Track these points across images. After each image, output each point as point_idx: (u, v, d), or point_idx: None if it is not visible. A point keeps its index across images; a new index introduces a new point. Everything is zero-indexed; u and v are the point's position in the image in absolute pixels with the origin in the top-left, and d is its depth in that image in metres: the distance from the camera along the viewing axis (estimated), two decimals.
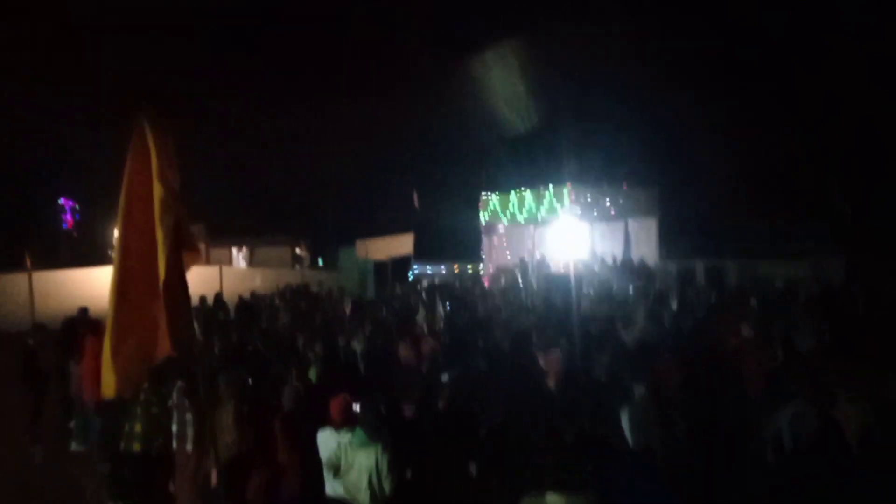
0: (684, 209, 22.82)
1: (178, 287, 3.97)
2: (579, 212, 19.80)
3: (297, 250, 34.69)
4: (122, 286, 3.98)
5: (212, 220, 33.13)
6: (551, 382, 5.53)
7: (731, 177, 26.56)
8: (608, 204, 20.30)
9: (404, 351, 7.16)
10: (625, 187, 20.82)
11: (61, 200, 36.61)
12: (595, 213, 20.37)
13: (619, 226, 21.95)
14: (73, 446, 8.09)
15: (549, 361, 5.67)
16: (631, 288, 14.41)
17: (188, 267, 4.10)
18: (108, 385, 3.96)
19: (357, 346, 8.28)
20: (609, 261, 20.30)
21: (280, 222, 34.90)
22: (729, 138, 27.23)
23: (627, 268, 18.91)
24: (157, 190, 3.86)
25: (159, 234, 3.84)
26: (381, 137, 36.00)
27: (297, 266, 31.19)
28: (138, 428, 5.76)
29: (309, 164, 38.77)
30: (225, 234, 33.72)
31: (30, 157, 30.18)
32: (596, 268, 19.25)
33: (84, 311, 10.54)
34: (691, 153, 28.18)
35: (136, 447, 5.76)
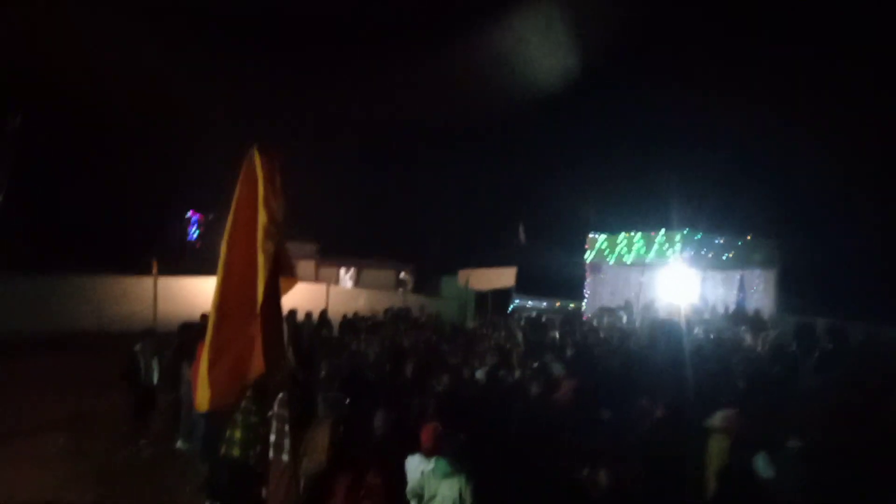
0: (808, 262, 21.52)
1: (274, 310, 4.16)
2: (692, 258, 19.14)
3: (402, 274, 35.32)
4: (222, 305, 4.20)
5: (323, 239, 34.37)
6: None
7: (859, 233, 24.90)
8: (724, 253, 19.49)
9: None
10: (743, 238, 19.93)
11: (190, 213, 38.98)
12: (709, 261, 19.61)
13: (734, 276, 21.05)
14: (179, 444, 8.47)
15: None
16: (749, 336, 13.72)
17: (284, 292, 4.29)
18: (203, 399, 4.17)
19: (479, 374, 8.26)
20: (721, 309, 19.43)
21: (386, 247, 35.69)
22: (856, 193, 25.60)
23: (740, 317, 18.00)
24: (262, 217, 4.07)
25: (260, 259, 4.04)
26: (492, 171, 36.33)
27: (401, 290, 31.71)
28: (238, 435, 5.98)
29: (418, 193, 39.65)
30: (334, 254, 34.84)
31: (165, 172, 32.47)
32: (706, 315, 18.45)
33: (204, 317, 10.94)
34: (816, 206, 26.70)
35: (235, 453, 5.99)
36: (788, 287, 20.03)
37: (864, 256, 24.21)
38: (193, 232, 39.47)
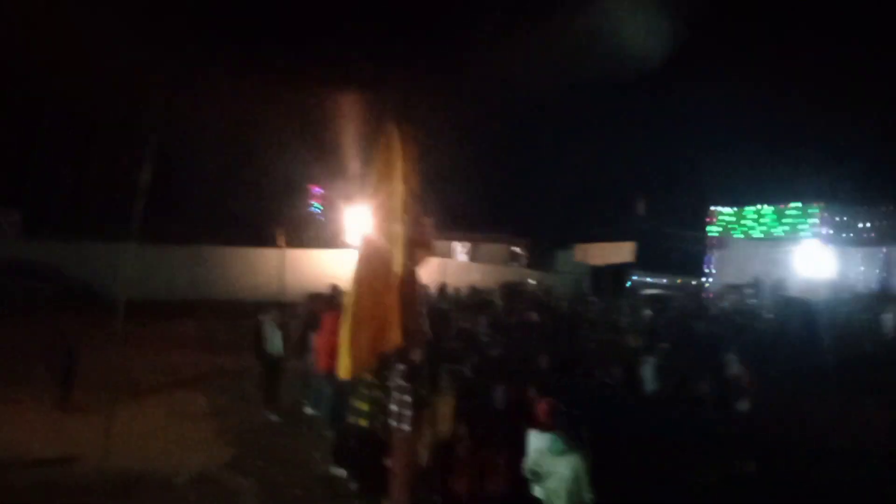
0: None
1: (412, 281, 4.24)
2: (828, 232, 17.86)
3: (516, 249, 35.19)
4: (362, 278, 4.32)
5: (438, 213, 34.78)
6: None
7: None
8: (866, 226, 18.03)
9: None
10: (888, 209, 18.34)
11: (314, 188, 40.45)
12: (848, 236, 18.21)
13: (877, 252, 19.44)
14: (308, 410, 8.86)
15: None
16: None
17: (421, 262, 4.35)
18: (345, 368, 4.34)
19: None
20: (862, 288, 18.04)
21: (501, 221, 35.59)
22: None
23: (884, 297, 16.63)
24: (402, 191, 4.14)
25: (399, 230, 4.12)
26: (609, 142, 35.30)
27: (515, 264, 31.64)
28: (364, 406, 6.19)
29: (535, 166, 39.19)
30: (449, 228, 35.20)
31: (288, 150, 33.84)
32: (846, 295, 17.18)
33: (334, 288, 10.54)
34: None
35: (362, 422, 6.21)
36: None
37: None
38: (315, 206, 41.08)
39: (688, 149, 31.34)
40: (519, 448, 5.20)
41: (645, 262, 25.69)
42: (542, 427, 5.00)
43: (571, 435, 4.86)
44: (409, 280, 4.21)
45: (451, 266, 24.11)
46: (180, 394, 9.72)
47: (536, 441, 5.05)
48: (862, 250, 19.91)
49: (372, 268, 4.36)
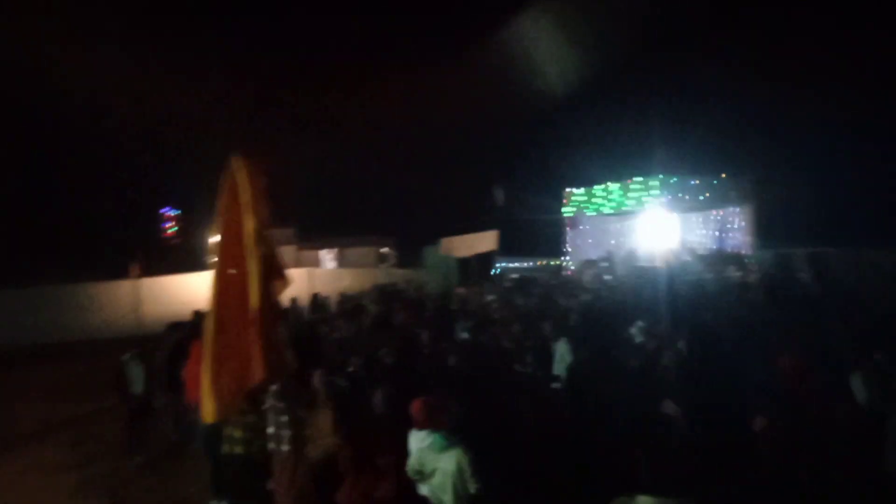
0: (780, 196, 21.75)
1: (271, 314, 4.17)
2: (669, 202, 19.29)
3: (383, 249, 35.25)
4: (219, 315, 4.19)
5: (299, 223, 34.14)
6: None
7: (832, 162, 25.16)
8: (699, 193, 19.63)
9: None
10: (717, 177, 20.05)
11: (165, 210, 38.55)
12: (685, 203, 19.75)
13: (711, 216, 21.26)
14: (181, 446, 8.44)
15: None
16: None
17: (279, 294, 4.30)
18: (208, 411, 4.19)
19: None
20: (700, 251, 19.66)
21: (365, 224, 35.53)
22: (828, 121, 25.79)
23: (719, 257, 18.24)
24: (249, 223, 4.06)
25: (252, 265, 4.04)
26: (463, 134, 36.13)
27: (383, 265, 31.69)
28: (238, 433, 6.02)
29: (392, 167, 39.38)
30: (313, 236, 34.68)
31: (135, 167, 31.95)
32: (688, 258, 18.65)
33: (197, 314, 10.36)
34: (788, 139, 26.89)
35: (239, 450, 6.03)
36: (765, 222, 20.26)
37: (839, 188, 24.51)
38: (170, 229, 39.09)
39: (541, 135, 32.68)
40: (404, 451, 5.24)
41: (509, 248, 26.58)
42: (419, 425, 5.07)
43: (453, 430, 4.97)
44: (267, 313, 4.12)
45: (319, 275, 23.76)
46: (44, 445, 8.99)
47: (417, 441, 5.10)
48: (699, 215, 21.71)
49: (227, 305, 4.23)
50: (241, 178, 4.13)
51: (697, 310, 9.27)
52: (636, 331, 7.65)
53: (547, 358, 7.47)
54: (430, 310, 12.65)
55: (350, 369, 7.34)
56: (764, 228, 20.04)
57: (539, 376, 6.99)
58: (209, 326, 4.21)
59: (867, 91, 24.99)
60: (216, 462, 6.53)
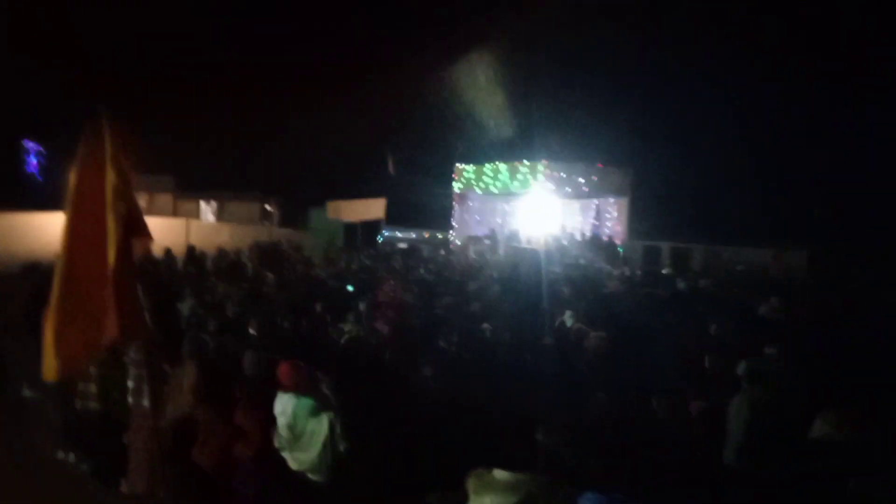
0: (655, 190, 23.10)
1: (128, 273, 4.00)
2: (552, 188, 19.97)
3: (267, 207, 34.32)
4: (68, 272, 3.98)
5: (180, 171, 32.59)
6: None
7: (705, 161, 26.95)
8: (581, 181, 20.46)
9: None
10: (600, 166, 20.97)
11: (25, 142, 35.54)
12: (568, 190, 20.54)
13: (591, 204, 22.23)
14: (26, 393, 7.93)
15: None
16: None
17: (138, 253, 4.13)
18: (50, 369, 3.97)
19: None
20: (578, 237, 20.57)
21: (251, 179, 34.41)
22: (705, 121, 27.51)
23: (595, 245, 19.17)
24: (110, 176, 3.87)
25: (110, 221, 3.85)
26: (358, 99, 35.54)
27: (266, 223, 30.89)
28: (93, 389, 5.80)
29: (282, 121, 38.19)
30: (193, 186, 33.21)
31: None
32: (565, 243, 19.47)
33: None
34: (666, 135, 28.44)
35: (92, 405, 5.82)
36: (640, 213, 21.47)
37: (709, 183, 26.30)
38: (31, 163, 36.19)
39: (436, 108, 32.73)
40: (270, 413, 5.24)
41: (396, 217, 26.65)
42: (287, 389, 5.10)
43: (322, 394, 5.05)
44: (125, 271, 3.94)
45: (197, 227, 22.85)
46: None
47: (281, 404, 5.12)
48: (579, 202, 22.67)
49: (80, 259, 4.00)
50: (104, 127, 3.93)
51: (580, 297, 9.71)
52: (567, 316, 7.87)
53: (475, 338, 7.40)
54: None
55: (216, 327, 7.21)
56: (637, 220, 21.25)
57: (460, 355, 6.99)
58: (57, 280, 3.98)
59: (750, 90, 26.79)
60: (66, 416, 6.26)
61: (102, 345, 4.15)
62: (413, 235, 26.64)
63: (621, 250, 19.11)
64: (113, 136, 3.90)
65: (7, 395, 7.78)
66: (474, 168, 22.81)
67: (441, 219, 25.64)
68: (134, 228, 4.03)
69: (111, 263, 3.86)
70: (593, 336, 6.45)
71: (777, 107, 25.60)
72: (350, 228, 24.35)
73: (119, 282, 3.91)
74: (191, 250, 15.06)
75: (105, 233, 3.87)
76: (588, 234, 21.14)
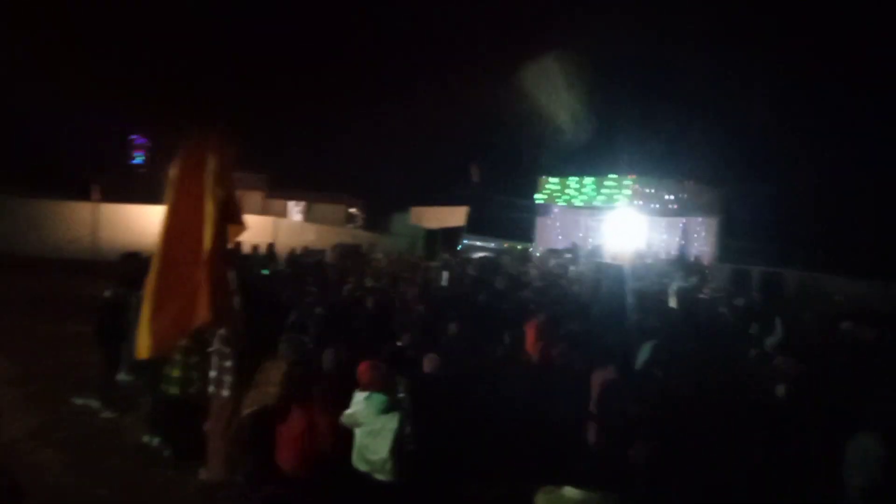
0: (748, 211, 22.19)
1: (221, 258, 4.12)
2: (639, 203, 19.54)
3: (352, 210, 35.03)
4: (166, 254, 4.13)
5: (271, 171, 33.71)
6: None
7: (802, 184, 25.74)
8: (669, 199, 19.92)
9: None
10: (688, 183, 20.37)
11: (133, 137, 37.57)
12: (655, 207, 20.04)
13: (678, 222, 21.61)
14: (122, 376, 8.26)
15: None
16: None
17: (233, 240, 4.25)
18: (143, 347, 4.13)
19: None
20: (663, 256, 20.02)
21: (338, 181, 35.22)
22: (804, 143, 26.30)
23: (681, 264, 18.60)
24: (212, 162, 4.00)
25: (208, 206, 3.98)
26: (446, 107, 35.90)
27: (350, 225, 31.51)
28: (175, 373, 6.01)
29: (372, 127, 39.00)
30: (283, 186, 34.27)
31: (104, 92, 31.01)
32: (649, 260, 18.98)
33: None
34: (761, 155, 27.37)
35: (174, 391, 6.04)
36: (730, 234, 20.69)
37: (804, 206, 25.10)
38: (137, 157, 38.23)
39: (523, 119, 32.68)
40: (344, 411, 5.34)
41: (477, 226, 26.68)
42: (364, 387, 5.19)
43: (394, 392, 5.14)
44: (219, 257, 4.07)
45: (284, 225, 23.57)
46: None
47: (358, 401, 5.21)
48: (666, 220, 22.08)
49: (178, 242, 4.16)
50: (209, 126, 4.09)
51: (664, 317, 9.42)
52: None
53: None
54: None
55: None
56: (726, 242, 20.48)
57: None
58: (155, 262, 4.14)
59: (856, 108, 25.47)
60: (153, 400, 6.53)
61: (194, 325, 4.29)
62: (493, 245, 26.58)
63: (709, 272, 18.44)
64: (216, 129, 4.05)
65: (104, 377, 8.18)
66: (559, 180, 22.60)
67: (523, 230, 25.51)
68: (230, 215, 4.16)
69: (207, 247, 4.00)
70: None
71: (887, 125, 24.15)
72: (431, 234, 24.53)
73: (213, 265, 4.05)
74: (270, 248, 15.56)
75: (203, 217, 4.01)
76: (674, 252, 20.53)
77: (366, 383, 5.17)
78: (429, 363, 6.00)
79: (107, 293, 7.86)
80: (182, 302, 4.17)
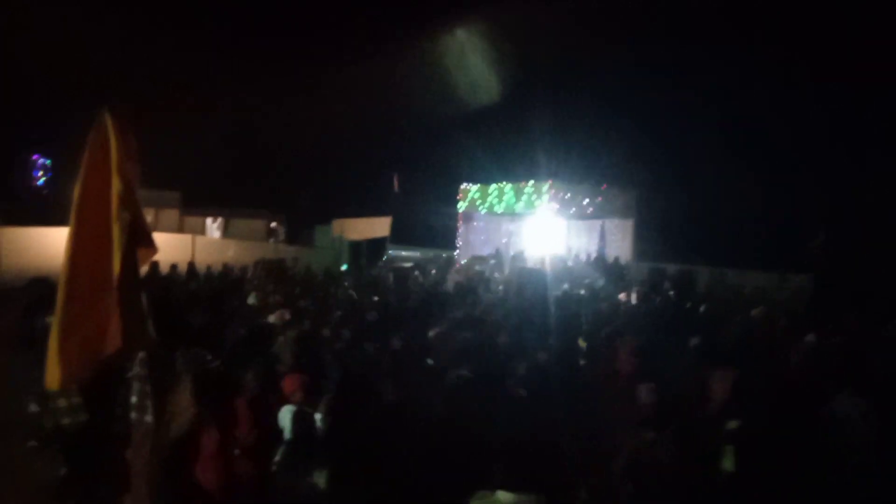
0: (660, 212, 23.12)
1: (132, 283, 3.97)
2: (557, 208, 20.01)
3: (273, 224, 34.41)
4: (73, 278, 3.95)
5: (187, 188, 32.73)
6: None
7: (710, 183, 27.01)
8: (586, 203, 20.50)
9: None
10: (603, 187, 21.04)
11: (34, 157, 35.74)
12: (573, 211, 20.58)
13: (596, 225, 22.25)
14: (32, 408, 7.86)
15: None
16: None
17: (143, 263, 4.11)
18: (53, 378, 3.93)
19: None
20: (583, 257, 20.56)
21: (257, 196, 34.55)
22: (712, 145, 27.62)
23: (600, 265, 19.15)
24: (116, 184, 3.83)
25: (115, 230, 3.82)
26: (365, 120, 35.81)
27: (272, 240, 30.93)
28: (63, 403, 5.79)
29: (289, 139, 38.46)
30: (200, 203, 33.34)
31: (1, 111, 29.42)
32: (570, 263, 19.45)
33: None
34: (672, 157, 28.54)
35: (82, 418, 5.81)
36: (644, 235, 21.48)
37: (714, 205, 26.32)
38: (40, 177, 36.44)
39: (442, 128, 32.99)
40: (274, 428, 5.24)
41: (401, 235, 26.73)
42: (292, 402, 5.12)
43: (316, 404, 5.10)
44: (129, 280, 3.92)
45: (202, 243, 22.91)
46: None
47: (284, 416, 5.14)
48: (584, 223, 22.70)
49: (84, 267, 3.98)
50: (110, 134, 3.90)
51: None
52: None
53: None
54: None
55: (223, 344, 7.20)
56: (642, 242, 21.26)
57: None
58: (61, 288, 3.95)
59: (758, 113, 26.86)
60: (61, 431, 6.23)
61: (106, 354, 4.12)
62: (418, 254, 26.65)
63: (628, 272, 19.08)
64: (118, 143, 3.87)
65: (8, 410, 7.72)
66: (479, 188, 22.89)
67: (446, 238, 25.71)
68: (139, 238, 4.01)
69: (116, 272, 3.84)
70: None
71: (784, 130, 25.66)
72: (355, 246, 24.39)
73: (123, 291, 3.89)
74: (191, 266, 15.17)
75: (110, 241, 3.85)
76: (593, 255, 21.12)
77: (292, 397, 5.11)
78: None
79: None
80: (92, 329, 3.98)
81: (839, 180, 23.86)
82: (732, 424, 4.89)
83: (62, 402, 5.79)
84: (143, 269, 4.09)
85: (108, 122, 3.86)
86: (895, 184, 20.64)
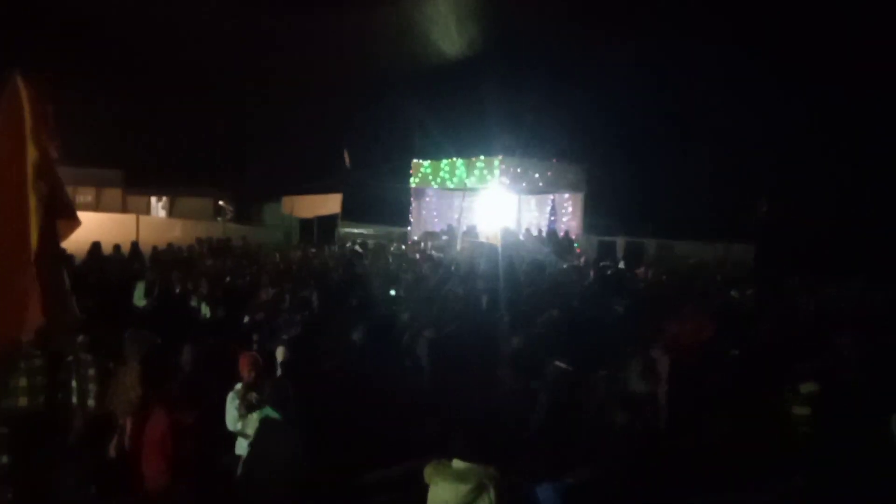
0: (609, 186, 23.44)
1: (52, 256, 3.80)
2: (508, 183, 20.07)
3: (220, 202, 33.65)
4: None
5: (130, 166, 31.74)
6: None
7: (657, 157, 27.49)
8: (537, 177, 20.60)
9: None
10: (554, 162, 21.17)
11: None
12: (523, 185, 20.66)
13: (547, 199, 22.41)
14: None
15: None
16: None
17: (64, 236, 3.92)
18: None
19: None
20: (534, 232, 20.73)
21: (204, 173, 33.67)
22: (659, 120, 28.05)
23: (552, 239, 19.34)
24: (32, 154, 3.63)
25: (31, 201, 3.64)
26: (314, 94, 35.15)
27: (220, 219, 30.29)
28: (22, 382, 5.51)
29: (236, 114, 37.54)
30: (143, 181, 32.37)
31: None
32: (521, 237, 19.59)
33: None
34: (621, 132, 28.89)
35: (22, 402, 5.52)
36: (594, 209, 21.75)
37: (661, 179, 26.84)
38: None
39: (393, 103, 32.62)
40: (216, 410, 5.15)
41: (352, 212, 26.43)
42: (246, 381, 5.05)
43: (283, 406, 4.95)
44: (49, 254, 3.73)
45: (147, 223, 22.29)
46: None
47: (237, 394, 5.06)
48: (535, 198, 22.86)
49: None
50: (22, 99, 3.66)
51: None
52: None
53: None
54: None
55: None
56: (592, 216, 21.54)
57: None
58: None
59: (699, 88, 27.30)
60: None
61: (26, 330, 3.94)
62: (371, 231, 26.49)
63: (577, 245, 19.33)
64: (32, 109, 3.64)
65: None
66: (431, 163, 22.77)
67: (398, 214, 25.56)
68: (58, 209, 3.81)
69: (34, 246, 3.65)
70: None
71: (725, 104, 26.17)
72: (306, 224, 24.07)
73: (43, 265, 3.71)
74: (134, 247, 14.77)
75: (26, 213, 3.64)
76: (545, 229, 21.30)
77: (249, 378, 5.05)
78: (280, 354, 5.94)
79: None
80: (9, 304, 3.78)
81: (780, 154, 24.57)
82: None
83: (21, 382, 5.50)
84: (65, 242, 3.90)
85: (21, 86, 3.62)
86: (831, 156, 21.36)
